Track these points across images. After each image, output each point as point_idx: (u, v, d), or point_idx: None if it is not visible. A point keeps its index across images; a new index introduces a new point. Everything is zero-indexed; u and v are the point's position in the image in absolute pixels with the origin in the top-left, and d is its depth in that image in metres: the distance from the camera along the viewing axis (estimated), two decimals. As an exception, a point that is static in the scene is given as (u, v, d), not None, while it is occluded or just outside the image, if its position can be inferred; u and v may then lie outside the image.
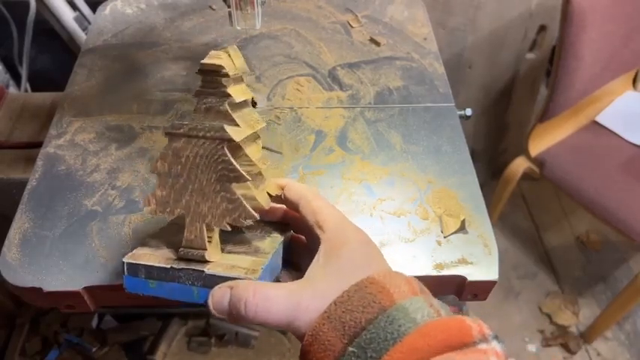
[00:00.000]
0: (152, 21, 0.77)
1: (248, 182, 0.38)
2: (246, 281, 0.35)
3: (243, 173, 0.37)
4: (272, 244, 0.41)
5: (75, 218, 0.52)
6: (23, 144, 0.70)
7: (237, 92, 0.40)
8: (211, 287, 0.36)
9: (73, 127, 0.61)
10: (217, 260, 0.39)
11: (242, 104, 0.41)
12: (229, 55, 0.41)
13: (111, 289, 0.48)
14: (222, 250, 0.40)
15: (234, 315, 0.34)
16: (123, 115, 0.63)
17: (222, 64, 0.39)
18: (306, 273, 0.35)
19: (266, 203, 0.40)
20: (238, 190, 0.38)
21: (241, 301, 0.34)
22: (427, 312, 0.31)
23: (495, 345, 0.29)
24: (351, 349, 0.30)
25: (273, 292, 0.34)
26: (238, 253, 0.40)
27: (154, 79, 0.68)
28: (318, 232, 0.37)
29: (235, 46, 0.41)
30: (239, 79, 0.41)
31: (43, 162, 0.57)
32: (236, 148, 0.38)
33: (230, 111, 0.39)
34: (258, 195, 0.39)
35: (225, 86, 0.39)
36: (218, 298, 0.35)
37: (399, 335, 0.29)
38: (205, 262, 0.38)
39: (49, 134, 0.60)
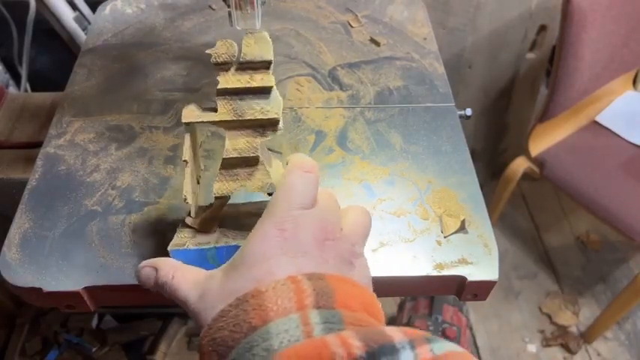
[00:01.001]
0: (152, 21, 0.77)
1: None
2: (170, 263, 0.37)
3: None
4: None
5: (75, 218, 0.52)
6: (23, 144, 0.70)
7: (230, 80, 0.41)
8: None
9: (73, 127, 0.61)
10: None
11: (241, 91, 0.41)
12: (254, 42, 0.41)
13: (111, 289, 0.48)
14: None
15: (161, 292, 0.37)
16: (123, 115, 0.63)
17: (212, 52, 0.41)
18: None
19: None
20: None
21: (164, 284, 0.36)
22: (292, 335, 0.27)
23: None
24: None
25: (187, 277, 0.35)
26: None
27: (153, 79, 0.68)
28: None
29: (265, 33, 0.41)
30: (253, 67, 0.41)
31: (42, 162, 0.57)
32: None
33: (216, 98, 0.41)
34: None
35: (217, 74, 0.41)
36: (144, 277, 0.38)
37: None
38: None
39: (49, 134, 0.60)
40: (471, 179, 0.57)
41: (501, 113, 1.58)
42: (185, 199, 0.43)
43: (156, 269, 0.37)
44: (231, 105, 0.41)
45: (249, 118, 0.41)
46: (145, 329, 0.99)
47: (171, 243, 0.42)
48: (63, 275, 0.48)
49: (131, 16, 0.78)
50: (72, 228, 0.51)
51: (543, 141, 1.30)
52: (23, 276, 0.48)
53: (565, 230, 1.68)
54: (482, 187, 0.56)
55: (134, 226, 0.51)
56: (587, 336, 1.42)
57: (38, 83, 1.18)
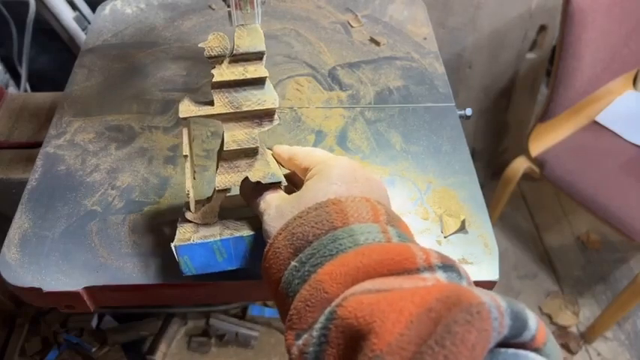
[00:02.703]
0: (152, 21, 0.77)
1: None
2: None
3: None
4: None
5: (75, 218, 0.52)
6: (23, 144, 0.70)
7: (224, 73, 0.41)
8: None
9: (73, 127, 0.61)
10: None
11: (233, 83, 0.41)
12: (246, 34, 0.42)
13: (111, 289, 0.48)
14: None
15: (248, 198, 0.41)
16: (123, 114, 0.63)
17: (205, 46, 0.42)
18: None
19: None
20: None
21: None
22: (375, 237, 0.30)
23: (440, 275, 0.28)
24: (293, 263, 0.31)
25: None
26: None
27: (153, 79, 0.68)
28: (307, 174, 0.39)
29: (256, 25, 0.43)
30: (246, 58, 0.42)
31: (42, 162, 0.57)
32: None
33: (212, 91, 0.41)
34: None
35: (212, 67, 0.42)
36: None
37: (336, 253, 0.30)
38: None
39: (49, 134, 0.60)
40: (471, 179, 0.57)
41: (501, 113, 1.58)
42: (187, 194, 0.43)
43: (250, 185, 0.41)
44: (227, 97, 0.41)
45: (246, 109, 0.41)
46: (144, 329, 0.99)
47: (176, 238, 0.42)
48: (63, 275, 0.48)
49: (131, 16, 0.78)
50: (72, 228, 0.51)
51: (543, 141, 1.30)
52: (23, 276, 0.48)
53: (565, 230, 1.68)
54: (482, 187, 0.56)
55: (134, 226, 0.51)
56: (587, 336, 1.42)
57: (38, 83, 1.18)
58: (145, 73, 0.69)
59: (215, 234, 0.42)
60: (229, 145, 0.41)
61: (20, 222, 0.51)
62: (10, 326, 0.99)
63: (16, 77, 1.14)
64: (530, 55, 1.45)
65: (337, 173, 0.37)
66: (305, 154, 0.41)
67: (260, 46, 0.41)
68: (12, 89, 1.11)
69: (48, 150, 0.59)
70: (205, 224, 0.43)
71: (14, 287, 0.48)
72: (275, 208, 0.37)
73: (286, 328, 0.30)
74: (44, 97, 0.77)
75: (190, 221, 0.43)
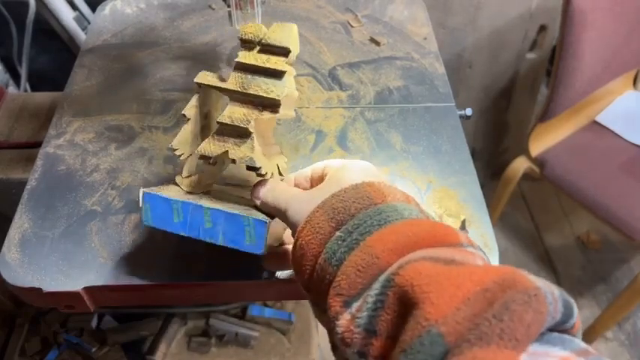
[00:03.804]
0: (152, 21, 0.77)
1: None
2: (273, 181, 0.42)
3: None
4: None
5: (75, 218, 0.52)
6: (23, 144, 0.70)
7: (249, 57, 0.43)
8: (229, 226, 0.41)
9: (73, 127, 0.61)
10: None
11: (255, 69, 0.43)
12: (280, 30, 0.43)
13: (111, 289, 0.48)
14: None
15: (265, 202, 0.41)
16: (123, 114, 0.63)
17: (241, 29, 0.43)
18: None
19: (269, 170, 0.43)
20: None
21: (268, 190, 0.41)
22: (416, 214, 0.32)
23: (481, 253, 0.30)
24: (338, 233, 0.31)
25: (282, 187, 0.41)
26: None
27: (153, 79, 0.68)
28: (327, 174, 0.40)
29: (294, 25, 0.43)
30: (273, 51, 0.43)
31: (42, 162, 0.57)
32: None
33: (232, 71, 0.44)
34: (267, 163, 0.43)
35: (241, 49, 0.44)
36: (256, 187, 0.42)
37: (385, 223, 0.30)
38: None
39: (49, 134, 0.60)
40: (471, 179, 0.57)
41: (501, 113, 1.58)
42: (173, 149, 0.44)
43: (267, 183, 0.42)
44: (241, 79, 0.43)
45: (251, 92, 0.42)
46: (144, 329, 0.99)
47: (151, 189, 0.43)
48: (63, 275, 0.48)
49: (131, 16, 0.78)
50: (72, 228, 0.51)
51: (543, 141, 1.30)
52: (23, 276, 0.47)
53: (565, 230, 1.68)
54: (482, 187, 0.56)
55: (134, 226, 0.51)
56: (588, 336, 1.42)
57: (38, 83, 1.18)
58: (145, 73, 0.69)
59: (187, 198, 0.43)
60: (223, 118, 0.42)
61: (20, 222, 0.51)
62: (10, 326, 0.98)
63: (16, 77, 1.14)
64: (530, 55, 1.45)
65: (359, 168, 0.38)
66: (324, 163, 0.42)
67: (287, 42, 0.42)
68: (12, 89, 1.11)
69: (48, 150, 0.59)
70: (190, 193, 0.44)
71: (14, 287, 0.47)
72: (299, 200, 0.37)
73: (331, 295, 0.30)
74: (44, 97, 0.77)
75: (177, 185, 0.45)
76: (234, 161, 0.41)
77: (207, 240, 0.41)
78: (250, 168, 0.41)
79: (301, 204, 0.36)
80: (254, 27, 0.43)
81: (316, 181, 0.42)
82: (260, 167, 0.41)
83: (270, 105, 0.42)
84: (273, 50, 0.43)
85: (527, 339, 0.23)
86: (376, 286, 0.28)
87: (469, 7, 1.31)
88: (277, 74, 0.42)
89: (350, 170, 0.37)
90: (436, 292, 0.25)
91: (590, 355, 0.24)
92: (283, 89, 0.42)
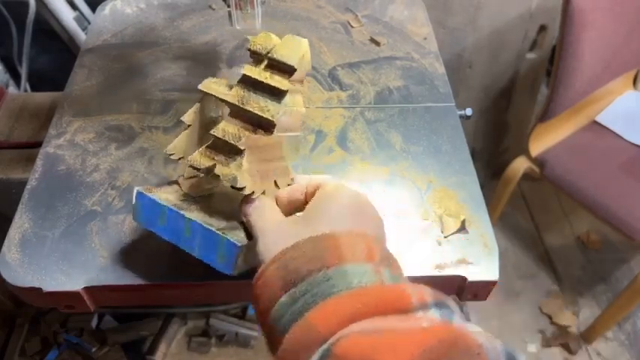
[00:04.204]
0: (152, 21, 0.77)
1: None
2: (264, 200, 0.41)
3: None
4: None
5: (75, 218, 0.52)
6: (23, 144, 0.70)
7: (254, 71, 0.42)
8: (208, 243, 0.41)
9: (73, 127, 0.61)
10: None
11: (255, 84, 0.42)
12: (290, 43, 0.42)
13: (111, 289, 0.48)
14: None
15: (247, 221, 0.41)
16: (123, 115, 0.63)
17: (251, 39, 0.43)
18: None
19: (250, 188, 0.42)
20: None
21: (253, 210, 0.40)
22: (367, 279, 0.30)
23: (433, 313, 0.28)
24: (283, 298, 0.31)
25: (266, 214, 0.40)
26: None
27: (153, 79, 0.68)
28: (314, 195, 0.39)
29: (305, 42, 0.42)
30: (280, 68, 0.42)
31: (42, 162, 0.57)
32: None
33: (237, 82, 0.42)
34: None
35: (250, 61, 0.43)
36: (246, 200, 0.41)
37: (329, 294, 0.29)
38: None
39: (49, 134, 0.60)
40: (471, 179, 0.57)
41: (501, 113, 1.58)
42: (169, 154, 0.44)
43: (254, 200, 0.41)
44: (243, 92, 0.42)
45: (248, 108, 0.41)
46: (144, 329, 0.99)
47: (147, 187, 0.43)
48: (63, 275, 0.48)
49: (131, 16, 0.78)
50: (72, 228, 0.51)
51: (543, 141, 1.30)
52: (23, 276, 0.47)
53: (565, 230, 1.68)
54: (482, 187, 0.56)
55: (134, 226, 0.51)
56: (588, 336, 1.42)
57: (38, 83, 1.18)
58: (145, 73, 0.69)
59: (176, 204, 0.42)
60: (217, 131, 0.41)
61: (20, 222, 0.51)
62: (10, 326, 0.98)
63: (16, 77, 1.14)
64: (530, 55, 1.45)
65: (339, 204, 0.37)
66: (316, 179, 0.41)
67: (294, 58, 0.41)
68: (12, 89, 1.11)
69: (48, 150, 0.59)
70: (187, 196, 0.44)
71: (14, 287, 0.47)
72: (271, 233, 0.37)
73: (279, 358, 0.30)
74: (44, 97, 0.77)
75: (178, 185, 0.45)
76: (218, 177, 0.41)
77: (186, 250, 0.41)
78: (234, 187, 0.40)
79: (272, 238, 0.36)
80: (263, 38, 0.42)
81: (311, 195, 0.40)
82: (244, 187, 0.40)
83: (265, 125, 0.41)
84: (278, 66, 0.42)
85: None
86: (315, 358, 0.27)
87: (469, 7, 1.31)
88: (278, 93, 0.41)
89: (336, 201, 0.37)
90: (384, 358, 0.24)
91: None
92: (279, 109, 0.41)
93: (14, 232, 0.51)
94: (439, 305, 0.29)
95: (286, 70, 0.41)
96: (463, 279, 0.49)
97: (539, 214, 1.72)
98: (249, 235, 0.41)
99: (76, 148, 0.59)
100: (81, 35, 1.04)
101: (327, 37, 0.75)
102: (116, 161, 0.58)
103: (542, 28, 1.40)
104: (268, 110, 0.41)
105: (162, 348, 0.96)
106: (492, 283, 0.49)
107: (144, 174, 0.56)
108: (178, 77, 0.68)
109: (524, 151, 1.32)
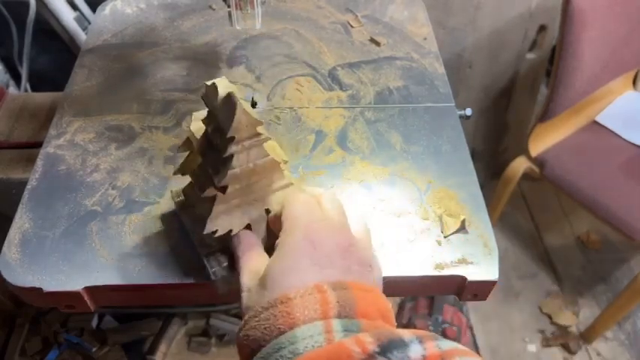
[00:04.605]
0: (152, 21, 0.77)
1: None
2: (249, 239, 0.42)
3: None
4: None
5: (75, 218, 0.52)
6: (23, 144, 0.70)
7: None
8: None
9: (73, 127, 0.61)
10: None
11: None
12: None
13: (111, 289, 0.48)
14: None
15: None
16: (123, 115, 0.63)
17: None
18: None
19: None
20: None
21: (238, 258, 0.41)
22: (315, 340, 0.30)
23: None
24: None
25: (251, 264, 0.40)
26: None
27: (154, 79, 0.68)
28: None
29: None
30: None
31: (43, 162, 0.57)
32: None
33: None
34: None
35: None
36: (234, 241, 0.42)
37: None
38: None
39: (49, 134, 0.60)
40: (471, 179, 0.57)
41: (501, 113, 1.58)
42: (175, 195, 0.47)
43: (240, 240, 0.42)
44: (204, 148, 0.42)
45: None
46: (145, 329, 0.99)
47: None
48: (63, 275, 0.48)
49: (131, 16, 0.78)
50: (72, 228, 0.51)
51: (543, 141, 1.30)
52: (23, 276, 0.48)
53: (565, 230, 1.68)
54: (482, 187, 0.56)
55: (134, 226, 0.51)
56: (587, 336, 1.42)
57: (38, 83, 1.18)
58: (145, 73, 0.69)
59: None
60: (192, 175, 0.44)
61: (20, 222, 0.51)
62: (10, 326, 0.98)
63: (16, 77, 1.14)
64: (530, 55, 1.45)
65: (293, 249, 0.36)
66: (285, 204, 0.40)
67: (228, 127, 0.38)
68: (12, 89, 1.11)
69: (48, 150, 0.59)
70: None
71: (14, 287, 0.48)
72: (247, 291, 0.37)
73: None
74: (44, 97, 0.77)
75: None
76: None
77: None
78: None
79: (251, 297, 0.37)
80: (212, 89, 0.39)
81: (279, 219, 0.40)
82: (216, 230, 0.41)
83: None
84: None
85: None
86: None
87: (469, 7, 1.31)
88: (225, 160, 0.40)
89: (290, 246, 0.36)
90: None
91: None
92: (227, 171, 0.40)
93: (14, 232, 0.51)
94: (385, 349, 0.28)
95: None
96: (463, 279, 0.49)
97: (539, 214, 1.72)
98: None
99: (77, 148, 0.59)
100: (81, 35, 1.04)
101: (327, 37, 0.75)
102: (116, 161, 0.58)
103: (542, 28, 1.40)
104: (217, 175, 0.40)
105: (162, 348, 0.96)
106: (492, 283, 0.49)
107: (144, 174, 0.56)
108: (178, 77, 0.68)
109: (524, 151, 1.32)
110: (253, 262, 0.40)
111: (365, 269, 0.37)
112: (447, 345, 0.29)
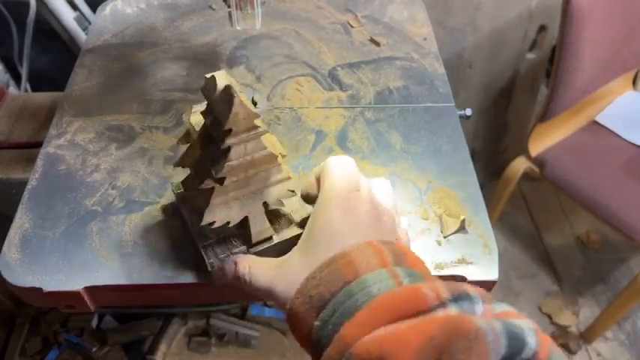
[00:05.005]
0: (152, 21, 0.77)
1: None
2: (245, 257, 0.42)
3: None
4: None
5: (75, 218, 0.52)
6: (23, 144, 0.70)
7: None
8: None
9: (73, 127, 0.61)
10: None
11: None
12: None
13: (111, 289, 0.48)
14: None
15: (237, 285, 0.42)
16: (123, 115, 0.63)
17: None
18: (297, 244, 0.39)
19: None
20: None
21: (243, 275, 0.41)
22: (386, 284, 0.31)
23: (451, 308, 0.29)
24: (316, 322, 0.32)
25: (261, 265, 0.40)
26: None
27: (154, 79, 0.68)
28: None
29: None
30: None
31: (43, 162, 0.57)
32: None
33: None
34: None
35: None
36: (227, 270, 0.43)
37: (355, 309, 0.31)
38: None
39: (49, 134, 0.60)
40: (470, 179, 0.57)
41: (501, 113, 1.58)
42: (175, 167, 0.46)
43: (235, 263, 0.42)
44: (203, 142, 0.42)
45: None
46: (145, 329, 0.99)
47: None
48: (63, 275, 0.48)
49: (131, 16, 0.78)
50: (72, 228, 0.51)
51: (543, 141, 1.30)
52: (23, 276, 0.48)
53: (565, 230, 1.68)
54: (482, 187, 0.56)
55: (134, 226, 0.51)
56: (587, 336, 1.42)
57: (38, 83, 1.18)
58: (145, 73, 0.69)
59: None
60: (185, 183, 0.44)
61: (20, 222, 0.52)
62: (10, 326, 0.98)
63: (16, 77, 1.14)
64: (530, 55, 1.45)
65: (332, 217, 0.37)
66: (326, 178, 0.40)
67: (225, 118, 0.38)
68: (12, 89, 1.11)
69: (48, 150, 0.59)
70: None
71: (14, 287, 0.48)
72: (279, 278, 0.38)
73: None
74: (44, 97, 0.77)
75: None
76: None
77: None
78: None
79: (284, 282, 0.37)
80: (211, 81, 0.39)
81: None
82: (213, 222, 0.41)
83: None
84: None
85: None
86: None
87: (469, 7, 1.31)
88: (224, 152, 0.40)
89: (328, 215, 0.37)
90: (389, 355, 0.26)
91: None
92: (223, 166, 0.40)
93: (14, 232, 0.51)
94: (457, 298, 0.30)
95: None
96: (463, 279, 0.49)
97: (539, 214, 1.72)
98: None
99: (77, 148, 0.59)
100: (81, 35, 1.05)
101: (327, 38, 0.75)
102: (116, 161, 0.58)
103: (542, 28, 1.40)
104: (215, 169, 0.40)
105: (162, 348, 0.96)
106: (492, 283, 0.49)
107: (144, 174, 0.56)
108: (178, 77, 0.68)
109: (524, 151, 1.32)
110: (263, 263, 0.41)
111: (393, 236, 0.39)
112: (501, 308, 0.31)
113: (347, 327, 0.30)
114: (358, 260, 0.33)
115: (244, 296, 0.60)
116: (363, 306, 0.30)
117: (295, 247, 0.38)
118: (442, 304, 0.29)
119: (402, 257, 0.34)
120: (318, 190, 0.40)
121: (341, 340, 0.30)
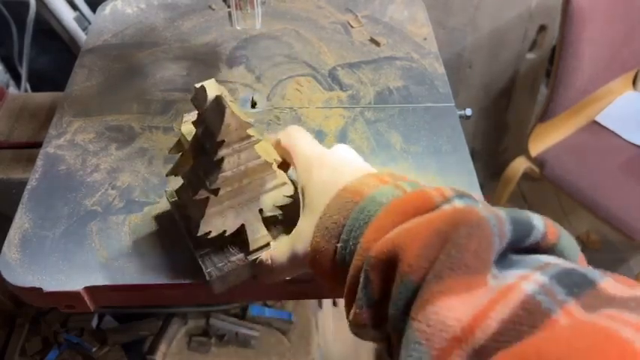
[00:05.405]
0: (152, 21, 0.77)
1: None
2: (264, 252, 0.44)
3: None
4: None
5: (75, 218, 0.52)
6: (23, 144, 0.70)
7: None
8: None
9: (73, 127, 0.61)
10: None
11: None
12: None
13: (111, 289, 0.48)
14: None
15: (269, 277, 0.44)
16: (123, 115, 0.63)
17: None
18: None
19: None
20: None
21: (267, 266, 0.44)
22: (393, 193, 0.34)
23: (456, 202, 0.31)
24: (338, 244, 0.35)
25: (277, 248, 0.43)
26: None
27: (153, 79, 0.68)
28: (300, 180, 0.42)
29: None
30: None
31: (43, 162, 0.57)
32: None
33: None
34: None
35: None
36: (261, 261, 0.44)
37: (369, 220, 0.33)
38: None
39: (49, 134, 0.60)
40: (471, 179, 0.57)
41: (501, 113, 1.58)
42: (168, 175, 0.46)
43: (260, 262, 0.44)
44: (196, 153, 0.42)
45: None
46: (145, 329, 0.99)
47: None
48: (63, 275, 0.48)
49: (131, 16, 0.78)
50: (72, 228, 0.51)
51: (543, 141, 1.30)
52: (23, 276, 0.48)
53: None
54: (482, 187, 0.56)
55: (134, 226, 0.51)
56: (587, 336, 1.42)
57: (38, 83, 1.18)
58: (145, 73, 0.69)
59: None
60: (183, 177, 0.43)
61: (20, 222, 0.52)
62: (10, 326, 0.98)
63: (16, 77, 1.14)
64: (530, 55, 1.45)
65: (320, 173, 0.39)
66: (289, 148, 0.44)
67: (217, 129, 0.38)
68: (12, 89, 1.11)
69: (48, 150, 0.59)
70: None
71: (14, 287, 0.48)
72: (300, 243, 0.39)
73: (345, 294, 0.33)
74: (44, 97, 0.77)
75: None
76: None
77: None
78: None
79: (301, 239, 0.39)
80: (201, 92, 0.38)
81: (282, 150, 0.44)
82: (209, 232, 0.42)
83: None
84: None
85: (480, 264, 0.25)
86: (364, 268, 0.31)
87: (469, 7, 1.31)
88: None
89: (313, 182, 0.39)
90: (400, 248, 0.28)
91: (549, 267, 0.25)
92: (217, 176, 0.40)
93: (14, 232, 0.51)
94: (461, 196, 0.32)
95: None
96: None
97: (539, 214, 1.72)
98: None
99: (77, 148, 0.59)
100: (81, 35, 1.05)
101: (327, 37, 0.75)
102: (116, 161, 0.58)
103: (542, 28, 1.40)
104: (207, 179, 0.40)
105: (162, 348, 0.96)
106: (492, 283, 0.49)
107: (144, 174, 0.56)
108: (178, 77, 0.68)
109: (524, 151, 1.32)
110: (280, 245, 0.43)
111: None
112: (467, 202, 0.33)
113: (365, 236, 0.32)
114: (361, 187, 0.35)
115: (245, 296, 0.60)
116: (376, 214, 0.33)
117: (300, 217, 0.40)
118: (447, 201, 0.31)
119: (400, 177, 0.37)
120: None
121: (362, 249, 0.32)
